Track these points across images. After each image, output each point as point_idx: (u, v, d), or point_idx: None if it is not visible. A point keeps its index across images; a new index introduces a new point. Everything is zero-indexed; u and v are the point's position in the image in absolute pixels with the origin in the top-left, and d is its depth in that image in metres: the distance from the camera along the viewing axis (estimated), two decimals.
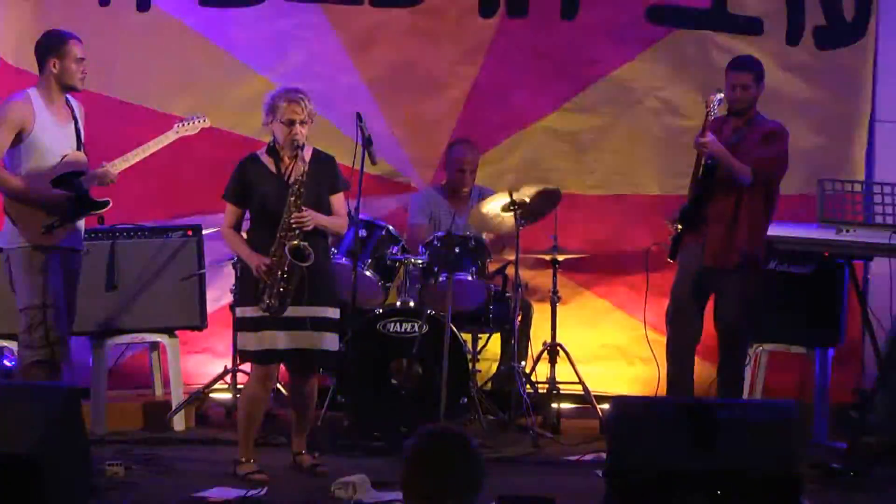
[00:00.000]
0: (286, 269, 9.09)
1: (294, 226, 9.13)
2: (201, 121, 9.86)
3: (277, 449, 10.11)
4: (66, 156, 9.34)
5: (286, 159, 9.26)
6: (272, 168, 9.29)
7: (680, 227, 10.65)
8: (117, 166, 9.50)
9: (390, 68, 13.11)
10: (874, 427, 10.04)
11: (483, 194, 12.14)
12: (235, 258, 10.23)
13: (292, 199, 9.16)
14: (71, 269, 9.40)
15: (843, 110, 12.93)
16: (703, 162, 10.49)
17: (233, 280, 11.17)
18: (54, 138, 9.32)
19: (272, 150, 9.30)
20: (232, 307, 10.56)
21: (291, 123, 9.17)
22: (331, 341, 9.43)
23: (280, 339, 9.22)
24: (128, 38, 12.64)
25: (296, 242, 9.21)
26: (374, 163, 10.99)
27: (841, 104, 12.94)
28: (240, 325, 9.30)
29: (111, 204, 9.60)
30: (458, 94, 13.13)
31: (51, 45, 9.39)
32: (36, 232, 9.14)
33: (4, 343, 10.93)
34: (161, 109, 12.03)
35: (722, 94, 10.49)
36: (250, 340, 9.19)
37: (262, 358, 9.26)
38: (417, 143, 12.97)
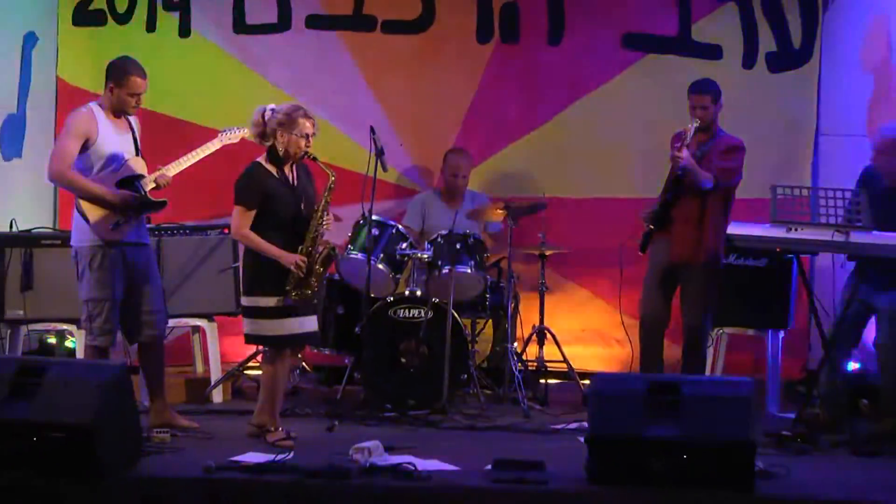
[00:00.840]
0: (318, 265, 9.32)
1: (324, 229, 9.35)
2: (242, 131, 9.77)
3: (303, 419, 10.17)
4: (126, 161, 9.40)
5: (286, 167, 9.31)
6: (276, 174, 9.27)
7: (651, 226, 10.86)
8: (171, 170, 9.52)
9: (400, 88, 13.18)
10: (819, 400, 10.12)
11: (475, 198, 12.41)
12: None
13: (324, 203, 9.35)
14: (138, 262, 9.42)
15: (792, 125, 13.01)
16: (674, 172, 10.69)
17: None
18: (116, 146, 9.32)
19: (275, 158, 9.25)
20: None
21: (307, 136, 9.25)
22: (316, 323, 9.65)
23: (298, 325, 9.31)
24: (172, 61, 12.74)
25: (331, 246, 9.52)
26: (385, 170, 11.09)
27: (790, 120, 13.01)
28: (261, 313, 9.14)
29: (168, 203, 9.67)
30: (458, 109, 13.20)
31: (116, 73, 9.38)
32: (106, 229, 9.16)
33: (66, 326, 11.05)
34: (200, 123, 12.12)
35: (698, 122, 10.70)
36: (275, 326, 9.17)
37: (289, 342, 9.35)
38: (423, 152, 13.02)
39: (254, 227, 9.20)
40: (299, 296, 9.27)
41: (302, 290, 9.25)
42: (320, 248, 9.40)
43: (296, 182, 9.41)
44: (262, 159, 9.29)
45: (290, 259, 9.20)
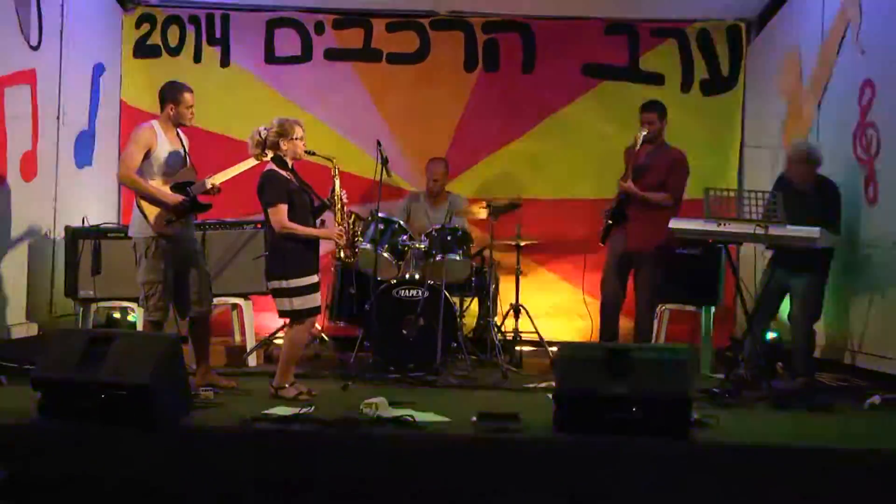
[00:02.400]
0: (353, 229, 9.60)
1: (345, 203, 9.51)
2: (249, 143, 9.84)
3: (322, 380, 10.11)
4: (179, 170, 9.39)
5: (287, 169, 9.23)
6: (288, 176, 9.18)
7: (610, 221, 10.90)
8: (218, 179, 9.49)
9: (401, 108, 13.32)
10: (743, 363, 10.13)
11: (454, 200, 12.47)
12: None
13: (337, 183, 9.47)
14: (186, 251, 9.43)
15: (721, 139, 13.24)
16: (628, 180, 10.77)
17: None
18: (171, 157, 9.33)
19: (282, 163, 9.14)
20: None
21: (301, 138, 9.23)
22: None
23: (320, 298, 9.37)
24: (214, 86, 12.81)
25: (355, 214, 9.90)
26: (389, 176, 11.17)
27: (720, 135, 13.23)
28: (304, 291, 9.06)
29: (212, 206, 9.71)
30: (449, 126, 13.33)
31: (172, 94, 9.42)
32: (160, 224, 9.17)
33: (128, 304, 11.09)
34: (238, 138, 12.02)
35: (646, 131, 10.78)
36: (309, 300, 9.13)
37: (316, 311, 9.34)
38: (421, 161, 12.95)
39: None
40: (350, 256, 9.64)
41: (352, 251, 9.62)
42: (349, 217, 9.59)
43: (299, 180, 9.39)
44: (271, 167, 9.20)
45: (334, 232, 9.37)
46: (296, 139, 9.21)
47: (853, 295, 10.45)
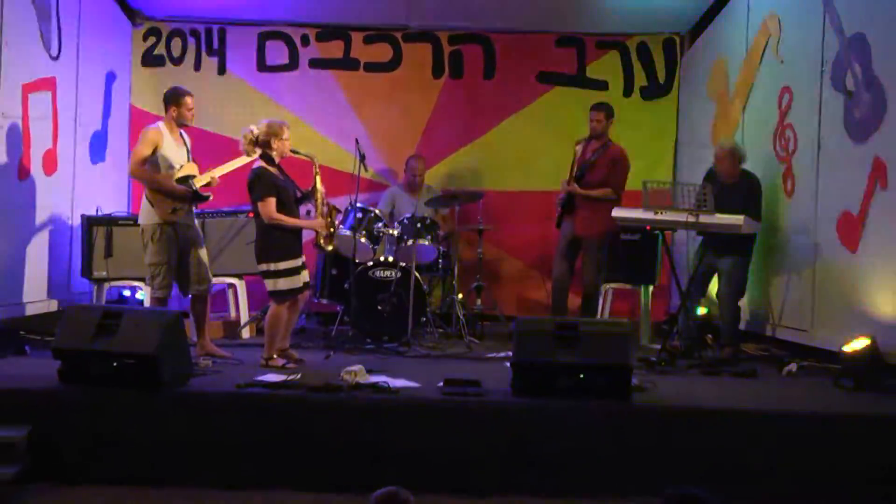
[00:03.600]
0: (331, 220, 9.51)
1: (324, 195, 9.45)
2: (241, 141, 9.81)
3: (307, 350, 10.01)
4: (183, 165, 9.35)
5: (275, 165, 9.20)
6: (275, 172, 9.17)
7: (561, 209, 10.94)
8: (217, 173, 9.49)
9: (376, 111, 13.31)
10: (677, 335, 10.14)
11: (430, 190, 12.48)
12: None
13: (318, 178, 9.40)
14: (187, 237, 9.42)
15: (659, 138, 13.27)
16: (573, 175, 10.79)
17: None
18: (175, 154, 9.33)
19: (270, 160, 9.12)
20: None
21: (287, 138, 9.22)
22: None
23: (306, 276, 9.33)
24: (212, 91, 12.75)
25: (333, 206, 9.72)
26: (366, 170, 11.22)
27: (657, 134, 13.26)
28: (290, 272, 9.07)
29: (212, 197, 9.62)
30: (418, 126, 13.34)
31: (174, 98, 9.40)
32: (165, 212, 9.19)
33: (137, 283, 11.03)
34: (234, 137, 11.95)
35: (584, 143, 10.94)
36: (293, 281, 9.12)
37: (299, 290, 9.27)
38: (393, 157, 13.09)
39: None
40: (328, 243, 9.53)
41: (329, 239, 9.52)
42: (327, 210, 9.51)
43: (285, 175, 9.35)
44: (261, 163, 9.16)
45: (317, 223, 9.36)
46: (284, 139, 9.19)
47: (773, 275, 10.47)
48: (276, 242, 9.13)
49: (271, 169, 9.16)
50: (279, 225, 9.06)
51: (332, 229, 9.57)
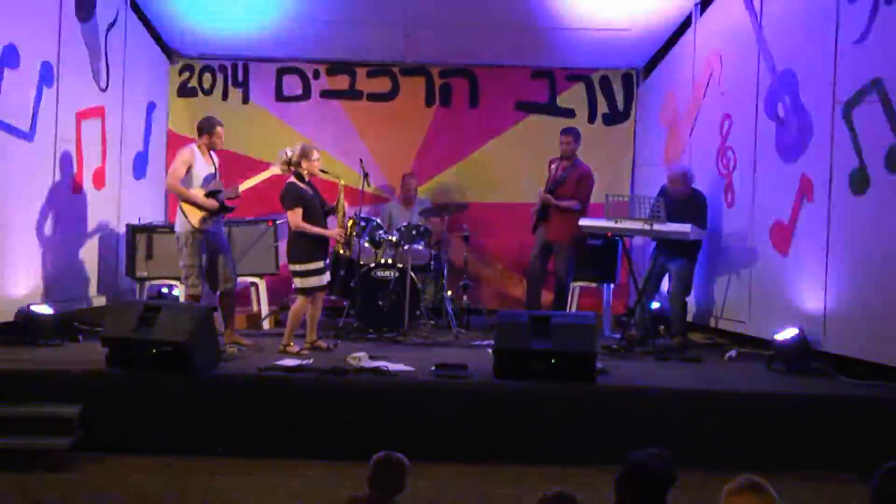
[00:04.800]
0: (350, 231, 9.65)
1: (346, 209, 9.56)
2: (277, 162, 9.81)
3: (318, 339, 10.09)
4: (212, 181, 9.36)
5: (305, 182, 9.23)
6: (305, 187, 9.20)
7: (536, 218, 10.92)
8: (243, 186, 9.48)
9: (378, 134, 13.21)
10: (634, 326, 10.13)
11: (423, 203, 12.43)
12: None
13: (341, 196, 9.48)
14: (216, 242, 9.42)
15: (618, 159, 13.19)
16: (548, 187, 10.78)
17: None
18: (206, 171, 9.33)
19: (301, 177, 9.16)
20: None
21: (318, 159, 9.28)
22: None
23: (327, 277, 9.41)
24: (237, 118, 12.54)
25: (352, 219, 10.01)
26: (369, 186, 11.17)
27: (617, 155, 13.19)
28: (314, 272, 9.14)
29: (236, 208, 9.73)
30: (413, 148, 13.26)
31: (207, 127, 9.41)
32: (197, 221, 9.19)
33: (173, 282, 10.91)
34: (256, 157, 12.03)
35: (556, 162, 10.87)
36: (315, 281, 9.18)
37: (320, 288, 9.34)
38: (392, 175, 12.97)
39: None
40: (345, 251, 9.66)
41: (348, 247, 9.64)
42: (348, 222, 9.64)
43: (314, 190, 9.37)
44: (292, 179, 9.18)
45: (335, 232, 9.37)
46: (313, 160, 9.25)
47: (716, 275, 10.49)
48: (302, 247, 9.16)
49: (301, 184, 9.18)
50: (303, 232, 9.10)
51: (351, 238, 9.68)
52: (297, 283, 9.24)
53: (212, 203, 9.31)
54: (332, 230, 9.43)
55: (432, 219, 12.06)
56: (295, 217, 9.08)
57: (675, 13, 11.70)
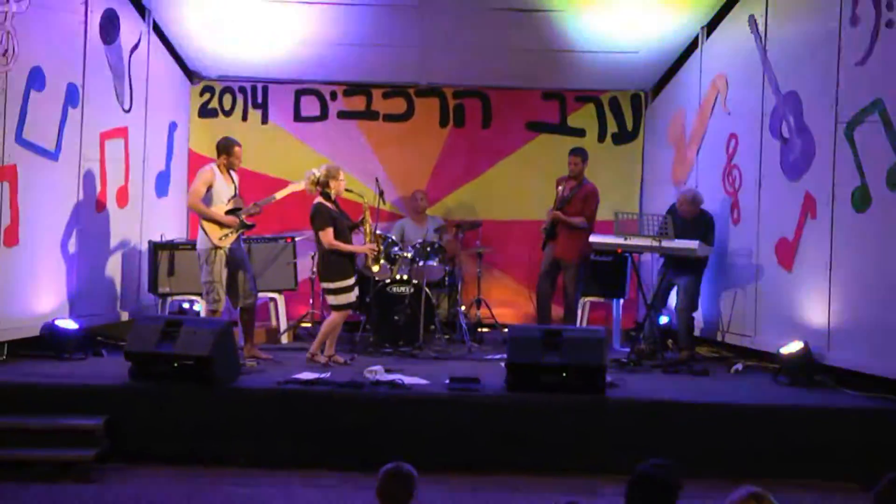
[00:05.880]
0: (380, 247, 9.70)
1: (373, 227, 9.65)
2: (301, 183, 9.74)
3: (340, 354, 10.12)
4: (231, 199, 9.40)
5: (331, 201, 9.30)
6: (332, 207, 9.28)
7: (545, 236, 10.93)
8: (260, 205, 9.55)
9: (393, 154, 13.20)
10: (643, 340, 10.12)
11: (435, 221, 12.48)
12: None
13: (366, 214, 9.56)
14: (236, 259, 9.41)
15: (627, 177, 13.19)
16: (556, 205, 10.80)
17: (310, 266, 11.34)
18: (225, 190, 9.37)
19: (328, 197, 9.23)
20: (316, 280, 10.25)
21: (343, 180, 9.36)
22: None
23: (357, 293, 9.49)
24: (256, 138, 12.67)
25: (383, 236, 10.25)
26: (384, 203, 11.23)
27: (626, 173, 13.18)
28: (343, 290, 9.24)
29: (255, 226, 9.75)
30: (428, 167, 13.25)
31: (226, 147, 9.46)
32: (218, 239, 9.22)
33: (195, 297, 10.96)
34: (275, 176, 12.05)
35: (564, 181, 10.87)
36: (349, 297, 9.28)
37: (351, 305, 9.41)
38: (407, 193, 12.90)
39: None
40: (375, 264, 9.64)
41: (378, 263, 9.65)
42: (379, 239, 9.79)
43: (338, 208, 9.43)
44: (319, 200, 9.25)
45: (367, 248, 9.51)
46: (340, 180, 9.35)
47: (722, 290, 10.49)
48: (333, 265, 9.27)
49: (328, 204, 9.26)
50: (336, 250, 9.18)
51: (381, 253, 9.72)
52: (332, 300, 9.34)
53: (232, 220, 9.35)
54: (364, 246, 9.52)
55: (446, 236, 12.09)
56: (327, 236, 9.16)
57: (683, 36, 11.70)
